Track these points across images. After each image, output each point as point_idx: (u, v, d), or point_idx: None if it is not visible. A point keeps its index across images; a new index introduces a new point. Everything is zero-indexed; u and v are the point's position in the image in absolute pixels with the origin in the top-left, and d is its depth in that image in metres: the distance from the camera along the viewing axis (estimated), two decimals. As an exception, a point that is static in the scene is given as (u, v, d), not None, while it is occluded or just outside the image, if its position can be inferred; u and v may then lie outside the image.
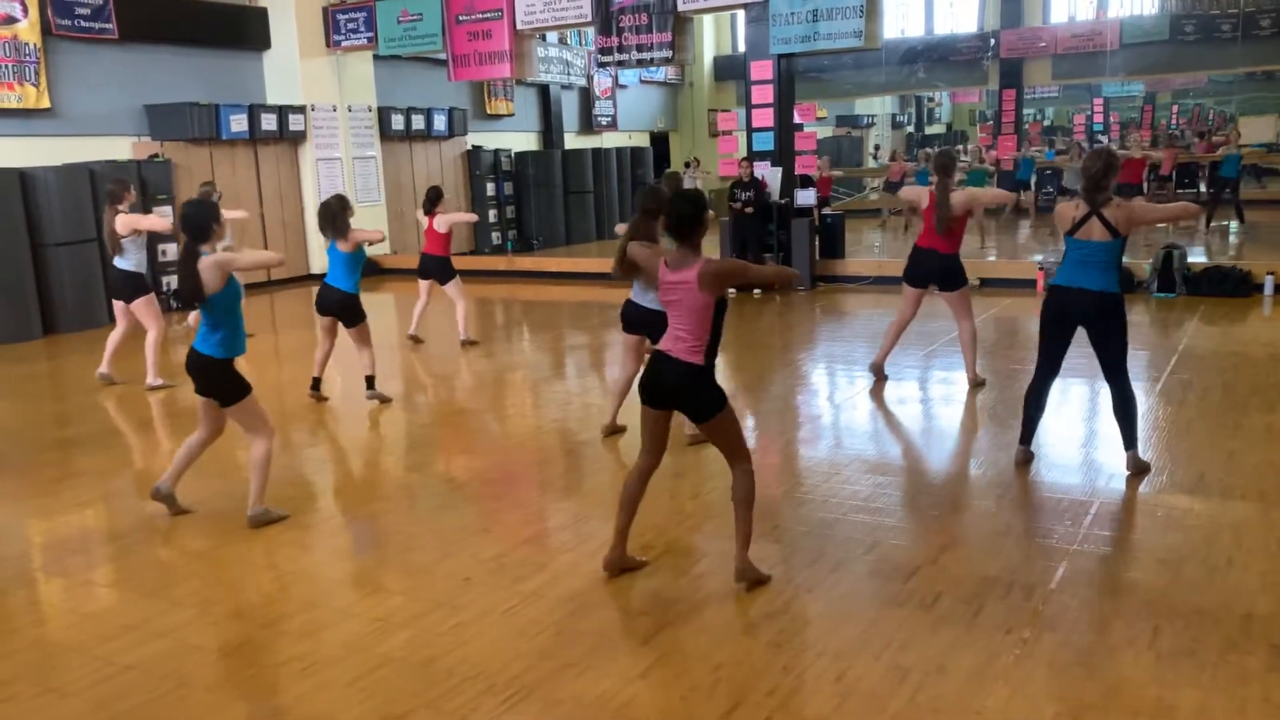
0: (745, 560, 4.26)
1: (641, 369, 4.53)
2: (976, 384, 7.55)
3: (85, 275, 12.20)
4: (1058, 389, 7.97)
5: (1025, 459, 5.75)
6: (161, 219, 8.76)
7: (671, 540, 4.87)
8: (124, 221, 8.32)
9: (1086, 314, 5.35)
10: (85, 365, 10.33)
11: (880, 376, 7.87)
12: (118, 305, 8.80)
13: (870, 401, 7.69)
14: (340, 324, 7.81)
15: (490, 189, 19.26)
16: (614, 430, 6.69)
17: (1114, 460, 5.70)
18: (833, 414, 7.42)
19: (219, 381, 5.17)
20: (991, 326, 8.11)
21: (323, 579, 4.73)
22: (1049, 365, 5.63)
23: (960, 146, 23.90)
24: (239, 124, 14.73)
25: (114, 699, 3.62)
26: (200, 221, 5.10)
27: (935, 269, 7.46)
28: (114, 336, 8.87)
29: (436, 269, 10.01)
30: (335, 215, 7.53)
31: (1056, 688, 3.44)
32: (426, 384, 8.95)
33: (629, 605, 4.19)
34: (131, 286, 8.55)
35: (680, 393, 4.19)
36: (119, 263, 8.51)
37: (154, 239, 12.58)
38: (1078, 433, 6.61)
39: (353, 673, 3.73)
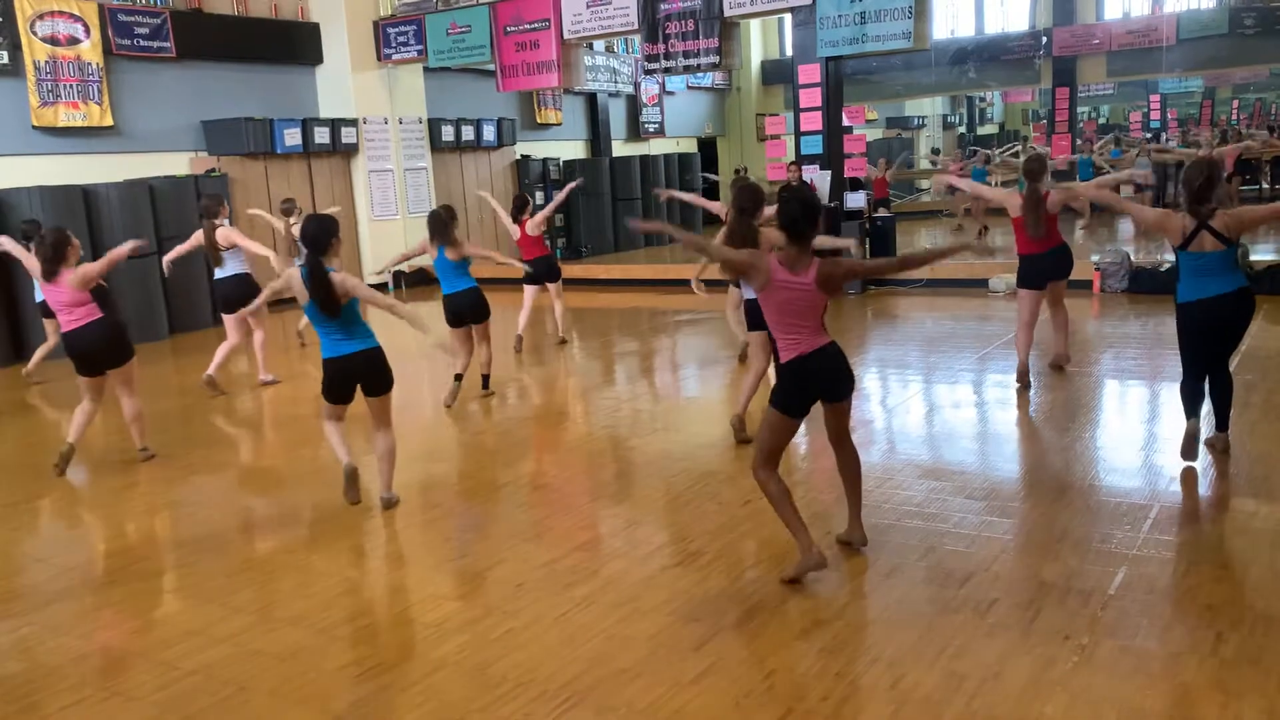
0: (860, 525, 4.64)
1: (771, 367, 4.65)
2: (1062, 365, 7.77)
3: (145, 289, 12.48)
4: (1116, 391, 7.89)
5: (1194, 429, 5.54)
6: (263, 247, 8.82)
7: (723, 546, 4.86)
8: (224, 235, 8.53)
9: (1223, 317, 5.33)
10: (147, 378, 10.56)
11: (1026, 384, 7.50)
12: (229, 318, 8.81)
13: (923, 405, 7.62)
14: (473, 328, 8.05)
15: (539, 198, 19.36)
16: (744, 435, 6.40)
17: (1175, 463, 5.58)
18: (885, 418, 7.36)
19: (384, 368, 5.49)
20: (1048, 328, 7.99)
21: (378, 585, 4.79)
22: (1198, 368, 5.55)
23: (1018, 146, 23.48)
24: (293, 138, 15.00)
25: (178, 703, 3.70)
26: (322, 236, 5.41)
27: (1051, 265, 7.40)
28: (255, 342, 9.05)
29: (546, 268, 10.20)
30: (444, 224, 7.79)
31: (1117, 695, 3.38)
32: (479, 392, 9.01)
33: (681, 611, 4.18)
34: (243, 291, 8.57)
35: (832, 374, 4.29)
36: (224, 272, 8.68)
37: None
38: (1137, 435, 6.48)
39: (408, 678, 3.78)
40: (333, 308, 5.35)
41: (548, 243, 9.95)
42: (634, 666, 3.75)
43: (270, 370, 9.25)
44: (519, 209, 10.07)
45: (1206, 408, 5.69)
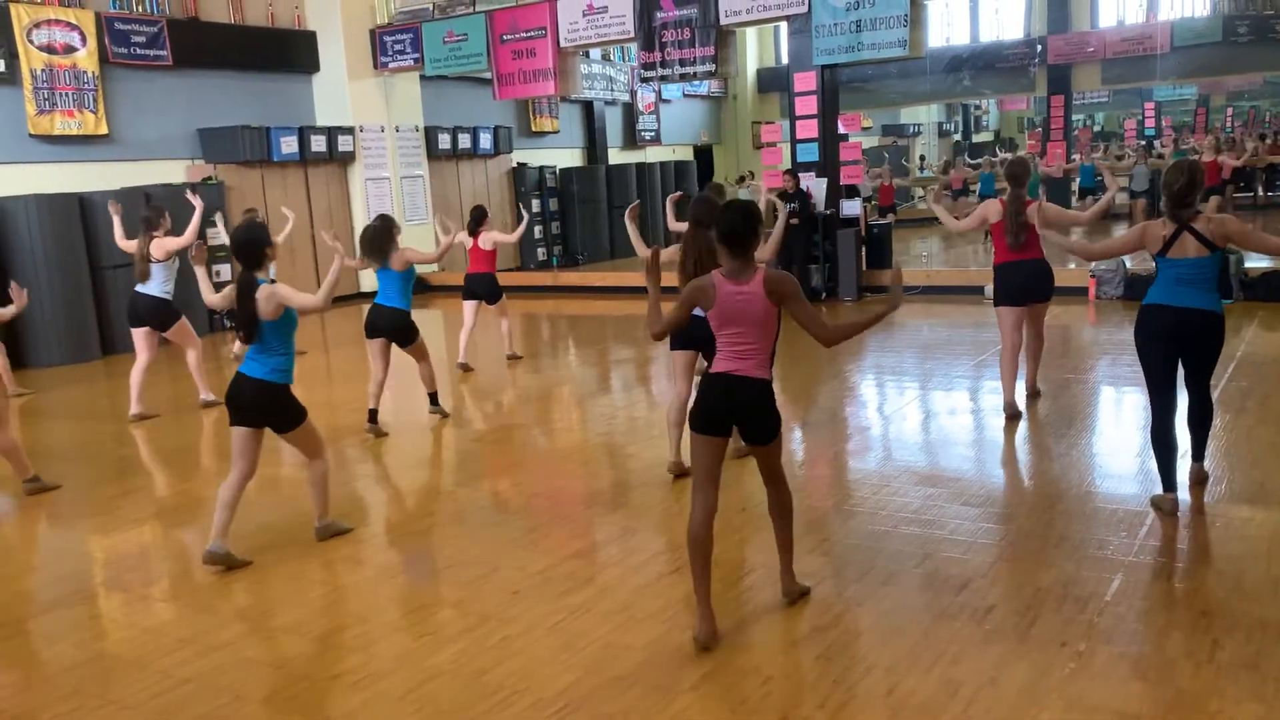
0: (791, 577, 4.24)
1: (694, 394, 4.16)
2: (1034, 394, 7.41)
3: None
4: (1112, 398, 7.90)
5: (1173, 508, 5.05)
6: (186, 236, 8.25)
7: (718, 554, 4.81)
8: (160, 245, 8.22)
9: (1189, 334, 4.98)
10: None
11: (1015, 415, 6.99)
12: (138, 334, 8.50)
13: (919, 412, 7.62)
14: (395, 345, 7.63)
15: (535, 205, 19.42)
16: (683, 470, 5.94)
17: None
18: (882, 425, 7.36)
19: (278, 408, 5.01)
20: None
21: (373, 593, 4.77)
22: (1164, 394, 5.07)
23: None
24: (289, 146, 15.01)
25: (172, 711, 3.68)
26: (253, 247, 5.00)
27: (1030, 279, 6.93)
28: (138, 372, 8.56)
29: (485, 288, 9.97)
30: (378, 238, 7.36)
31: (1113, 702, 3.37)
32: (474, 400, 9.02)
33: (677, 619, 4.18)
34: (161, 314, 8.41)
35: (753, 413, 3.94)
36: (144, 289, 8.35)
37: (209, 259, 12.85)
38: (1133, 442, 6.48)
39: (403, 686, 3.76)
40: (251, 331, 4.91)
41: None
42: (630, 674, 3.74)
43: (213, 390, 8.84)
44: (476, 222, 9.89)
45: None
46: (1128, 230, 5.34)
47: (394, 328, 7.55)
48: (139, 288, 8.46)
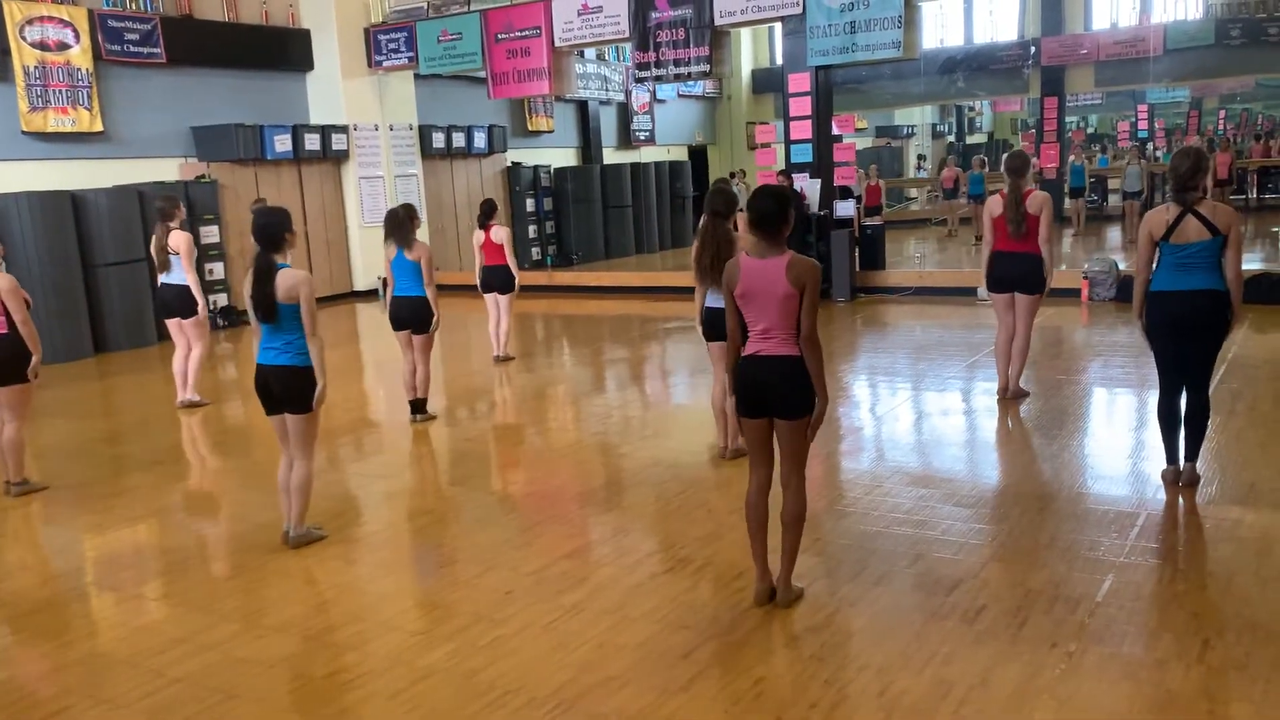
0: (789, 583, 4.24)
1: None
2: (1018, 395, 7.43)
3: (135, 295, 12.44)
4: (1104, 399, 7.92)
5: (1175, 478, 5.40)
6: (194, 274, 8.43)
7: (712, 553, 4.86)
8: (177, 239, 8.28)
9: (1195, 314, 5.11)
10: (135, 384, 10.55)
11: (1016, 396, 7.40)
12: (172, 324, 8.61)
13: (912, 413, 7.64)
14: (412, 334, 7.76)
15: (530, 205, 19.42)
16: (739, 452, 6.03)
17: (1161, 470, 5.60)
18: (874, 426, 7.37)
19: (306, 390, 5.04)
20: (1036, 337, 8.01)
21: (366, 592, 4.78)
22: (1173, 376, 5.32)
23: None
24: (283, 144, 14.98)
25: (164, 711, 3.68)
26: (275, 230, 4.97)
27: (1019, 272, 7.11)
28: (180, 360, 8.67)
29: (500, 280, 9.98)
30: (402, 223, 7.61)
31: (1103, 702, 3.39)
32: (468, 399, 9.02)
33: (670, 619, 4.18)
34: (185, 301, 8.45)
35: (782, 388, 4.01)
36: (169, 278, 8.42)
37: (201, 256, 12.85)
38: (1124, 443, 6.51)
39: (396, 685, 3.77)
40: (270, 311, 4.91)
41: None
42: (623, 674, 3.74)
43: (199, 391, 8.85)
44: (486, 215, 9.93)
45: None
46: (1138, 245, 5.36)
47: (414, 313, 7.70)
48: (164, 278, 8.51)
